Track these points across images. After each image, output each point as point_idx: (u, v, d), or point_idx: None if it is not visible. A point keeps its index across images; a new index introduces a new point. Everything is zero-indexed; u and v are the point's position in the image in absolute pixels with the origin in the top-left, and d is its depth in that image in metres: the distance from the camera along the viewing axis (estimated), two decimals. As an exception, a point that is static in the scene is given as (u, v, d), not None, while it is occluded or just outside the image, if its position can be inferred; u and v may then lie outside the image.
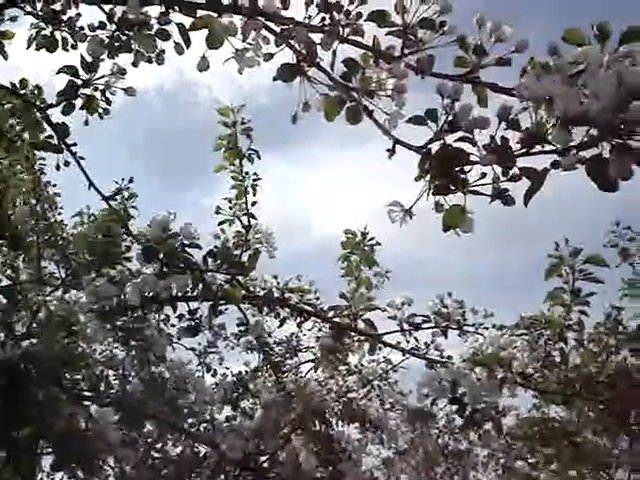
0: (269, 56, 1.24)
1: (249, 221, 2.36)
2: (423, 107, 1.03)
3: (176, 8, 1.35)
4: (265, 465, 2.28)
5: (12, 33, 1.82)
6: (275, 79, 1.18)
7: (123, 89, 1.71)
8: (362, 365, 3.06)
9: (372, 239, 2.75)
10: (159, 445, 2.40)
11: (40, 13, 1.64)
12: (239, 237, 2.36)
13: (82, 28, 1.60)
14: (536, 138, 0.89)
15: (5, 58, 1.83)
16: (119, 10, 1.46)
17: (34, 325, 2.26)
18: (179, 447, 2.45)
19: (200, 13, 1.31)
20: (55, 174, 2.10)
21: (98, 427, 1.71)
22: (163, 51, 1.47)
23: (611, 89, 0.84)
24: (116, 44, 1.52)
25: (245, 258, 2.30)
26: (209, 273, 1.92)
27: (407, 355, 2.37)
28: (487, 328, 2.42)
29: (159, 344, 2.69)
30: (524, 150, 0.91)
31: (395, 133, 1.10)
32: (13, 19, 1.82)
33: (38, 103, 2.01)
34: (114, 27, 1.50)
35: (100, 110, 1.73)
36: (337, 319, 2.31)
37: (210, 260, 1.89)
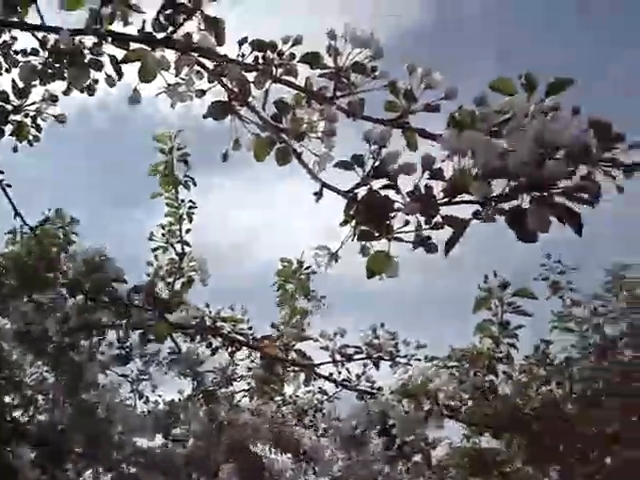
0: (201, 92, 1.24)
1: (183, 249, 2.34)
2: (356, 147, 1.04)
3: (109, 39, 1.34)
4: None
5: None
6: (205, 117, 1.18)
7: (54, 116, 1.68)
8: (297, 396, 3.05)
9: (308, 268, 2.76)
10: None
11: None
12: (172, 264, 2.33)
13: (17, 52, 1.58)
14: (458, 188, 0.91)
15: None
16: (52, 38, 1.44)
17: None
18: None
19: (133, 46, 1.30)
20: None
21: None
22: (96, 81, 1.45)
23: (530, 144, 0.86)
24: (49, 71, 1.50)
25: (178, 286, 2.28)
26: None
27: (339, 387, 2.37)
28: (419, 359, 2.44)
29: (90, 370, 2.64)
30: (447, 199, 0.92)
31: (326, 175, 1.11)
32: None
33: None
34: (47, 54, 1.48)
35: (30, 137, 1.69)
36: (268, 349, 2.30)
37: (135, 295, 1.86)
